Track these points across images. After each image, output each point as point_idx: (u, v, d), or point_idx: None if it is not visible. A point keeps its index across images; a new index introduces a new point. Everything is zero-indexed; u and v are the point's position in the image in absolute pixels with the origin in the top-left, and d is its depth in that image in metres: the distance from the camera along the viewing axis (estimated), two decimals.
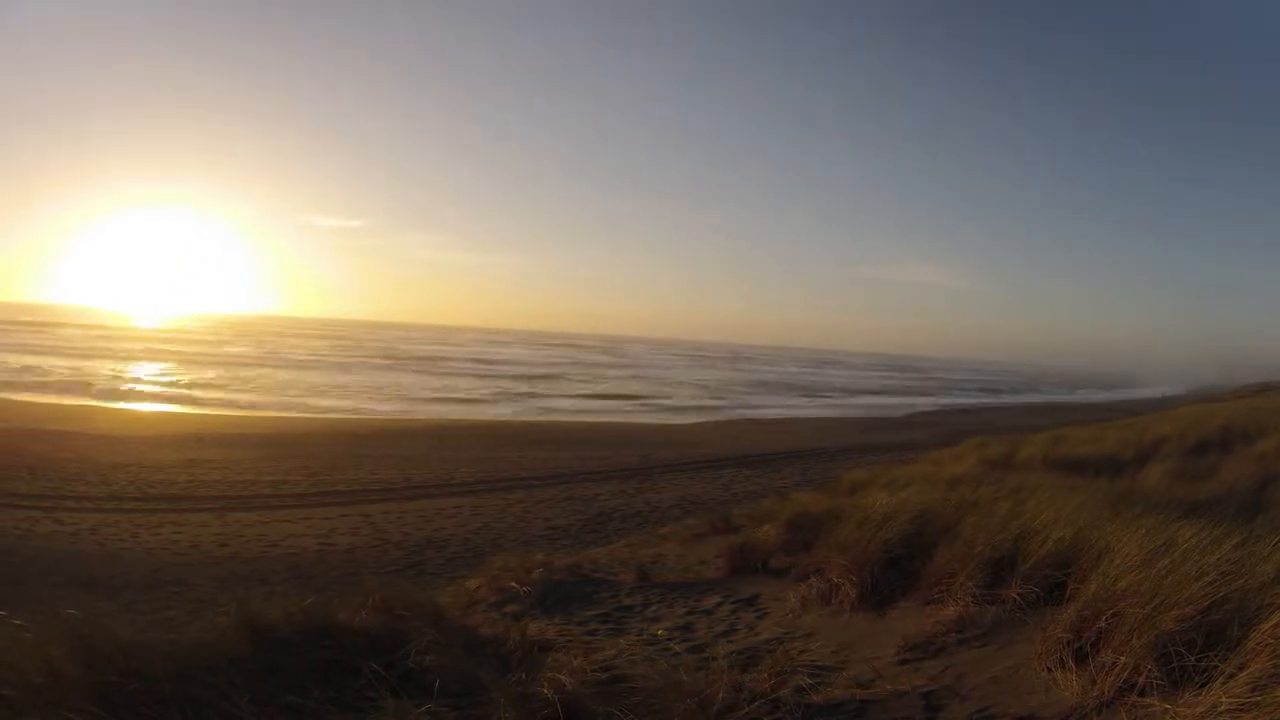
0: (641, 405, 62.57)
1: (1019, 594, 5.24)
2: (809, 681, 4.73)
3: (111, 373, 61.04)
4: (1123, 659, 3.84)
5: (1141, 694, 3.65)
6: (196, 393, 51.31)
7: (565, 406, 57.48)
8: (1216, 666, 3.52)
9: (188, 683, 4.06)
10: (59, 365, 62.93)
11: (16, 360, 64.64)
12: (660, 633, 6.61)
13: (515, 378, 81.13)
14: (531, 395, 65.05)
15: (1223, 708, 3.24)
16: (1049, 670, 4.27)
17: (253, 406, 45.59)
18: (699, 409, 60.56)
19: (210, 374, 65.08)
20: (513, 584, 8.22)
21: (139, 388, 52.66)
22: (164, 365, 71.34)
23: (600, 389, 74.62)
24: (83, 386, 50.13)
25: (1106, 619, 4.16)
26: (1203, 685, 3.47)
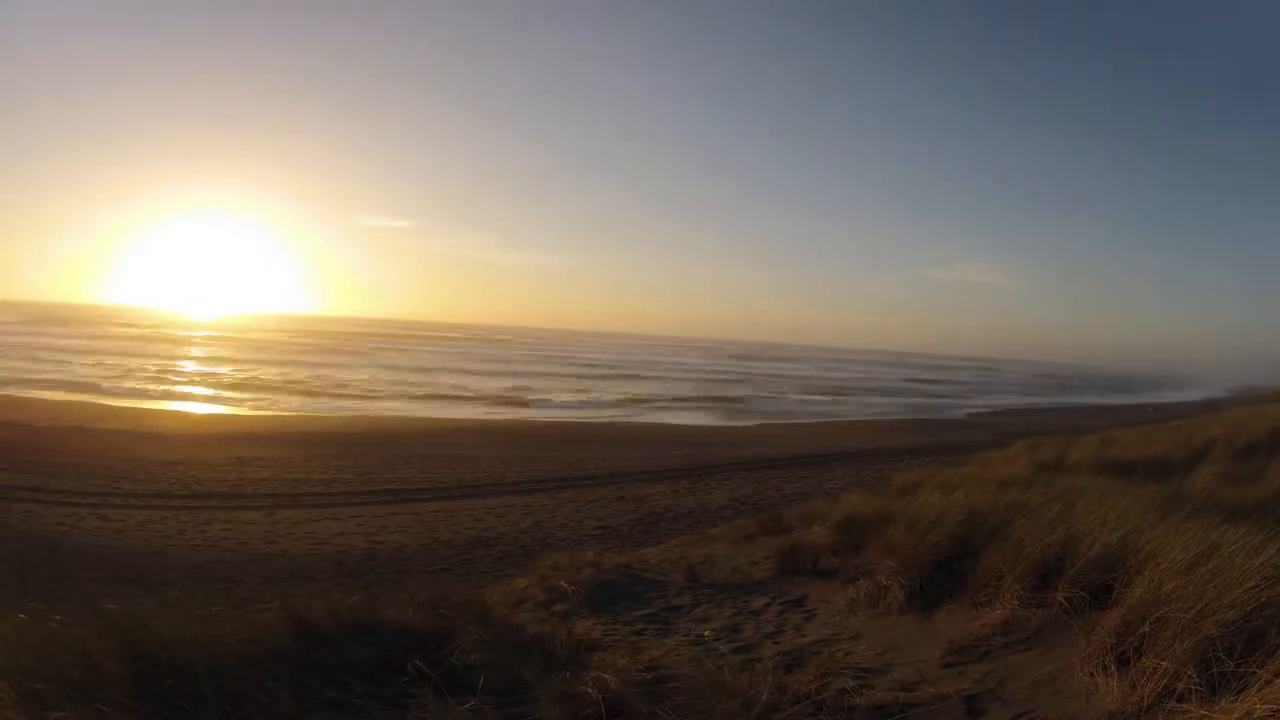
0: None
1: (1065, 597, 5.29)
2: (853, 684, 4.77)
3: (163, 371, 62.18)
4: (1164, 664, 3.90)
5: (1180, 700, 3.71)
6: (248, 391, 52.11)
7: None
8: (1254, 673, 3.57)
9: (228, 677, 4.14)
10: (110, 364, 64.16)
11: (68, 359, 66.02)
12: (707, 633, 6.70)
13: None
14: None
15: (1257, 714, 3.30)
16: (1091, 675, 4.34)
17: (303, 405, 46.20)
18: None
19: (266, 373, 66.03)
20: (562, 583, 8.31)
21: (191, 386, 53.61)
22: (216, 364, 72.51)
23: None
24: (132, 385, 51.12)
25: (1150, 624, 4.21)
26: (1239, 691, 3.53)
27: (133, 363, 66.85)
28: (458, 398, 55.69)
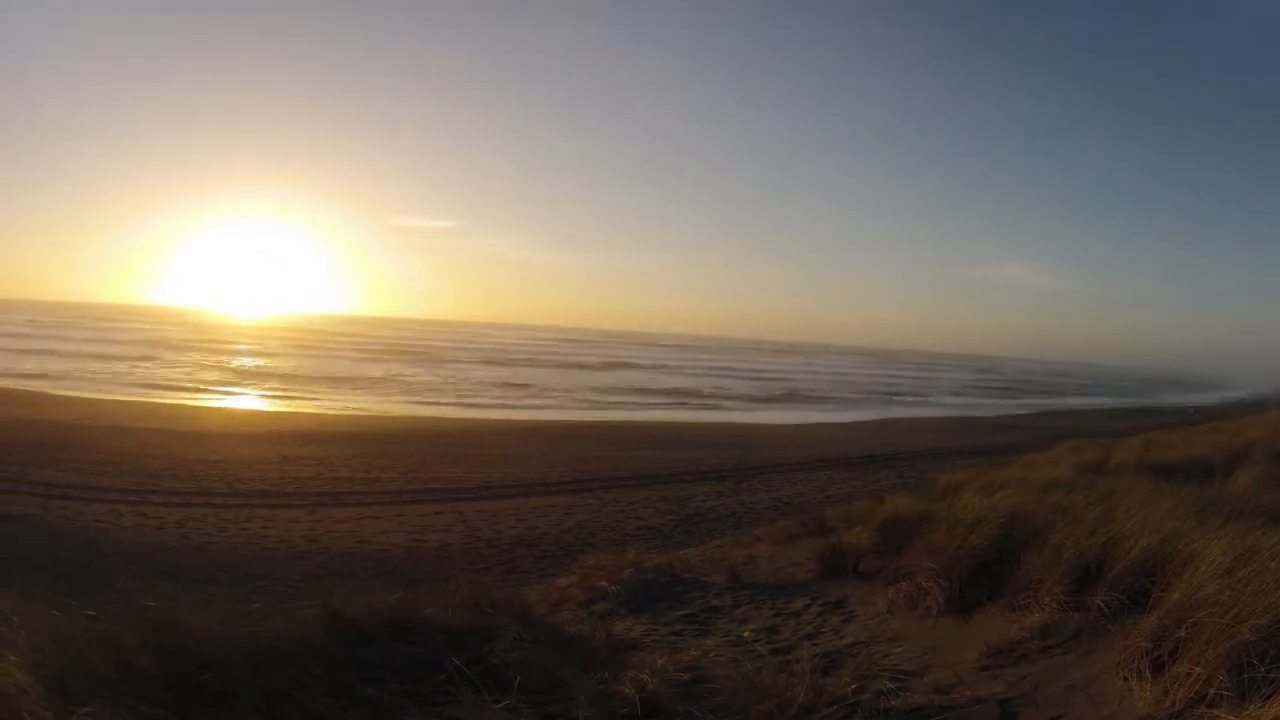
0: None
1: (1104, 601, 5.34)
2: (889, 686, 4.86)
3: (208, 370, 63.01)
4: (1197, 669, 3.95)
5: (1211, 705, 3.75)
6: (294, 391, 52.66)
7: None
8: None
9: (263, 674, 4.18)
10: (154, 364, 65.14)
11: (113, 358, 67.07)
12: (746, 634, 6.78)
13: None
14: None
15: None
16: (1125, 680, 4.39)
17: (349, 405, 46.59)
18: None
19: (308, 373, 66.69)
20: (603, 583, 8.41)
21: (234, 385, 54.28)
22: (265, 364, 73.39)
23: None
24: (176, 383, 51.86)
25: (1186, 628, 4.25)
26: (1268, 697, 3.58)
27: (178, 362, 67.94)
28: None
